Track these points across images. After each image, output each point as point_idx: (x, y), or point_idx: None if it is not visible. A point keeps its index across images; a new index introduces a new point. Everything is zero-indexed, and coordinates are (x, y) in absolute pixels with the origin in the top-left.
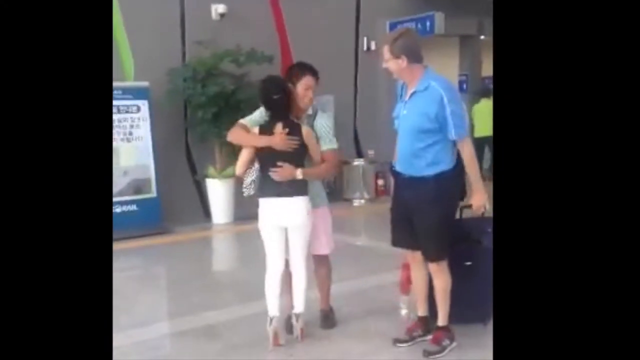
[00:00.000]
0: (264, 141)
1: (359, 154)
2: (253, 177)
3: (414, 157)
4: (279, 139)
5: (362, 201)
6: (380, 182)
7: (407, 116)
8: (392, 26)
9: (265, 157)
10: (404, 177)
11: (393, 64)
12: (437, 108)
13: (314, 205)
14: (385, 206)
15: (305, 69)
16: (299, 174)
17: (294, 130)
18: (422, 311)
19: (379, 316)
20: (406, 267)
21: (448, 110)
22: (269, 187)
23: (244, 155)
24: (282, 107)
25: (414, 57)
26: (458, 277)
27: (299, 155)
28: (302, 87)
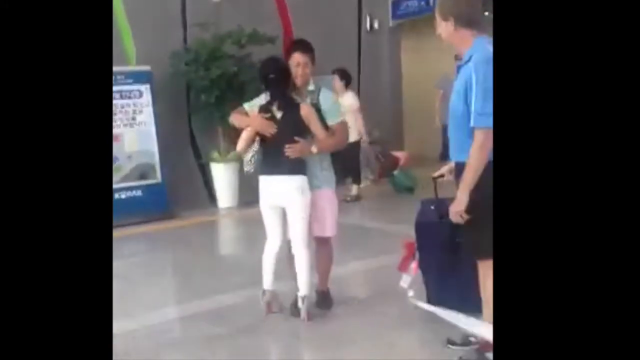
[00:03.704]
0: (244, 122)
1: None
2: (252, 154)
3: (453, 142)
4: (255, 120)
5: (367, 182)
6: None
7: (452, 97)
8: (395, 4)
9: (266, 136)
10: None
11: (441, 28)
12: (467, 87)
13: (320, 187)
14: (389, 187)
15: (295, 45)
16: (313, 148)
17: (291, 108)
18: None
19: (384, 297)
20: (408, 246)
21: (474, 90)
22: (267, 165)
23: (244, 135)
24: (278, 86)
25: (464, 20)
26: (450, 258)
27: (299, 132)
28: (293, 64)
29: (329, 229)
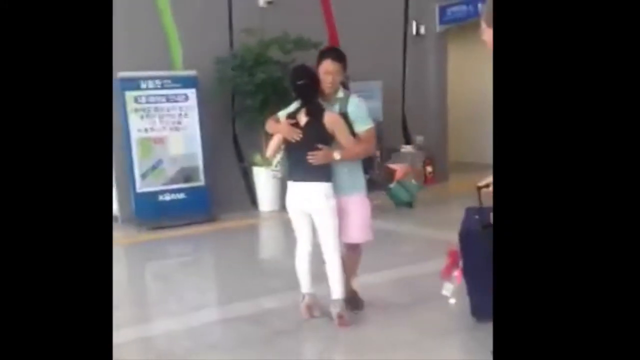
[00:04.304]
0: (273, 129)
1: (407, 141)
2: (278, 160)
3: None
4: (283, 127)
5: None
6: (429, 169)
7: None
8: (442, 10)
9: (290, 143)
10: None
11: (486, 34)
12: None
13: (349, 193)
14: (433, 193)
15: (325, 53)
16: (336, 155)
17: (316, 115)
18: None
19: (425, 304)
20: (452, 254)
21: None
22: (293, 171)
23: (273, 141)
24: (306, 92)
25: None
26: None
27: (323, 139)
28: (322, 71)
29: (357, 236)
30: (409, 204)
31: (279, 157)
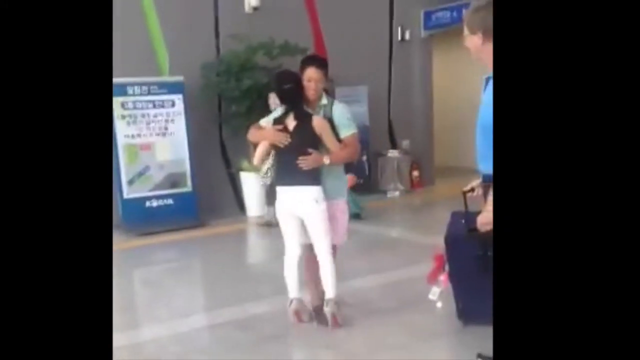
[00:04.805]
0: (258, 136)
1: (393, 145)
2: (268, 166)
3: (482, 153)
4: (269, 133)
5: (397, 193)
6: (415, 173)
7: (481, 108)
8: (427, 15)
9: (279, 148)
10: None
11: (469, 41)
12: None
13: (334, 198)
14: (420, 198)
15: (307, 61)
16: (326, 159)
17: (304, 120)
18: None
19: (414, 308)
20: (438, 258)
21: None
22: (282, 176)
23: (260, 148)
24: (292, 96)
25: (492, 33)
26: (480, 271)
27: (311, 143)
28: (305, 79)
29: (338, 239)
30: (357, 215)
31: (268, 163)
